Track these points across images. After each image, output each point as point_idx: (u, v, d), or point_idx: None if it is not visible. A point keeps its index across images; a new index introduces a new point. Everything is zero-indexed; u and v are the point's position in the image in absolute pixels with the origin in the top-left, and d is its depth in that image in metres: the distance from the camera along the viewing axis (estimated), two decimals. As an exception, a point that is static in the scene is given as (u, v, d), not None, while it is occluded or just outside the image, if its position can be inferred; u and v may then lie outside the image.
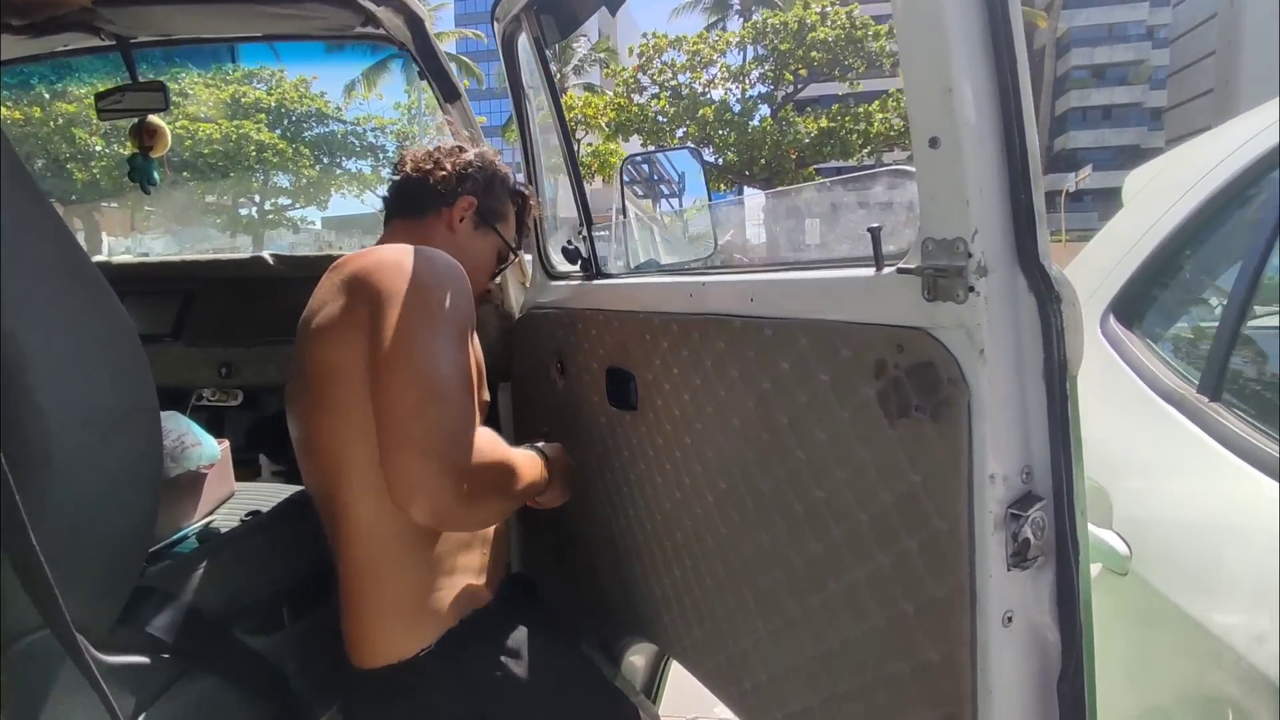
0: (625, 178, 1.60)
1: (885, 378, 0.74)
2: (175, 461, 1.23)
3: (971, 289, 0.66)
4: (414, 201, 1.22)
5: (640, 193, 1.68)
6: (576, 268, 1.51)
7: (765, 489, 0.95)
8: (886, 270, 0.75)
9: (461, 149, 1.25)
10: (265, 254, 1.89)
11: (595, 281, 1.44)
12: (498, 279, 1.34)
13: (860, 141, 22.54)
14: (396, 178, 1.24)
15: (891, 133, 22.28)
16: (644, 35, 23.36)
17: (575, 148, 1.45)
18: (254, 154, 20.41)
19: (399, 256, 1.01)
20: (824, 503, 0.85)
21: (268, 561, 1.22)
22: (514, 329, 1.78)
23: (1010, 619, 0.69)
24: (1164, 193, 1.25)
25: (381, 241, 1.20)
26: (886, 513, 0.76)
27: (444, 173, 1.20)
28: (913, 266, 0.70)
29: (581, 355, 1.44)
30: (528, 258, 1.78)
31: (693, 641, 1.20)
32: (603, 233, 1.48)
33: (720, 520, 1.06)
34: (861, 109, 22.74)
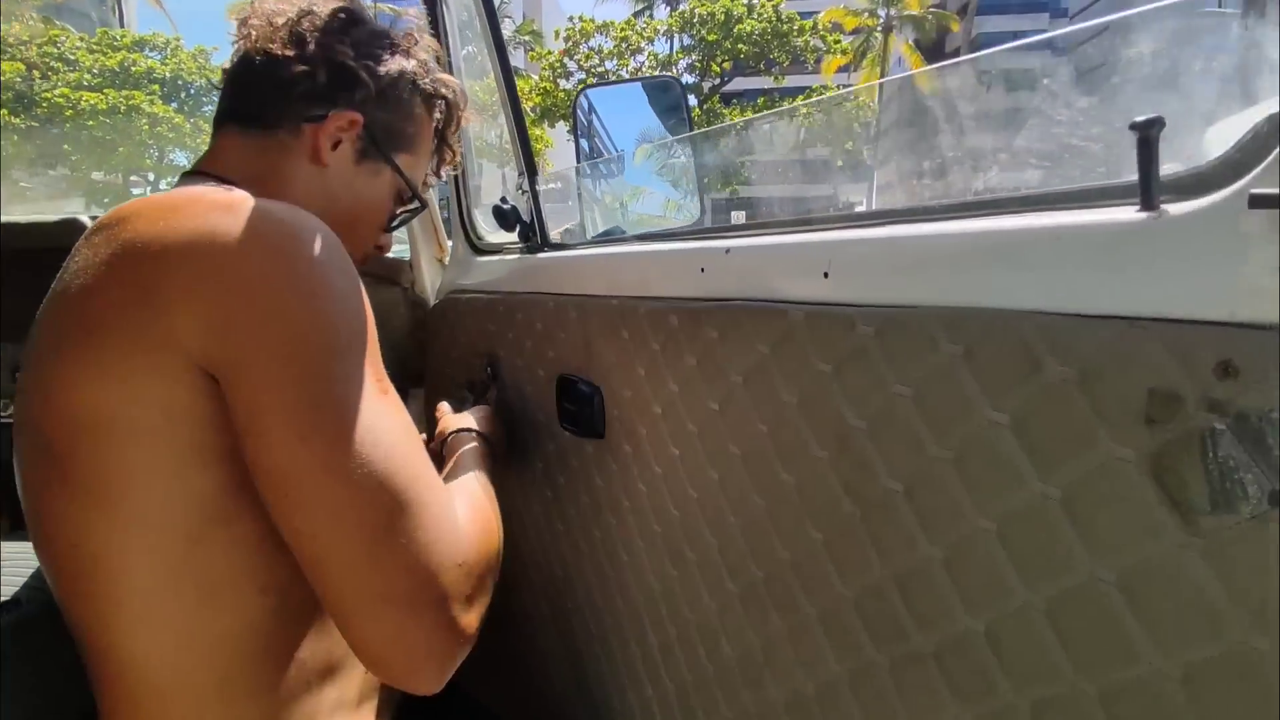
0: (582, 115, 1.18)
1: (1175, 429, 0.37)
2: None
3: None
4: (256, 103, 0.72)
5: (586, 139, 1.27)
6: (514, 236, 1.09)
7: (848, 592, 0.57)
8: (1183, 207, 0.37)
9: (349, 18, 0.75)
10: (82, 215, 1.39)
11: (543, 255, 1.03)
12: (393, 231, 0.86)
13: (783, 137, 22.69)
14: (234, 50, 0.75)
15: (815, 127, 22.51)
16: (570, 19, 22.79)
17: (510, 63, 1.04)
18: (146, 128, 18.82)
19: (238, 222, 0.55)
20: (983, 641, 0.47)
21: (20, 685, 0.76)
22: (427, 320, 1.36)
23: None
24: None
25: (204, 164, 0.72)
26: (1159, 691, 0.39)
27: (303, 68, 0.71)
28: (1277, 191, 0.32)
29: (521, 356, 1.03)
30: (448, 243, 1.36)
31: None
32: (553, 185, 1.07)
33: (751, 626, 0.68)
34: (786, 103, 22.85)
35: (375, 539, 0.52)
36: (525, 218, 1.06)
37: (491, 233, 1.23)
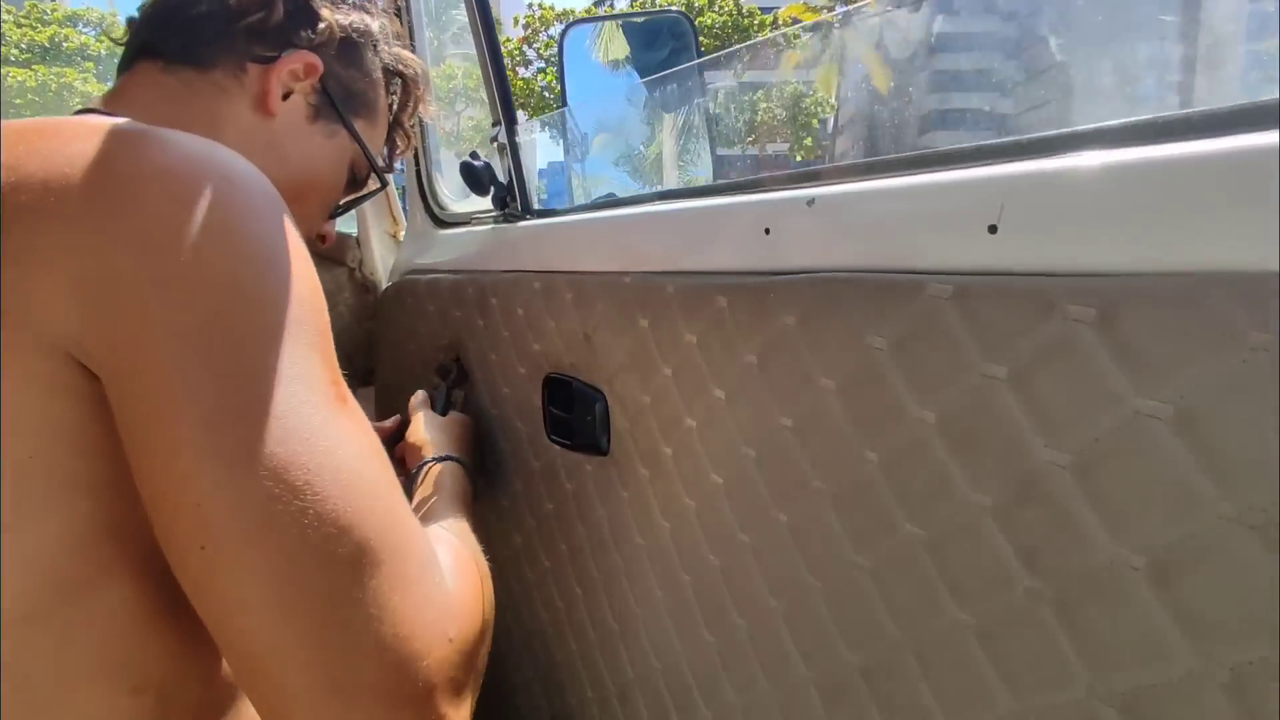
0: (566, 53, 0.97)
1: None
2: None
3: None
4: (188, 34, 0.56)
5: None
6: (487, 204, 0.88)
7: (1018, 706, 0.38)
8: None
9: None
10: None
11: (526, 223, 0.83)
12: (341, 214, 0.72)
13: (745, 130, 22.72)
14: None
15: (774, 122, 22.61)
16: (529, 6, 22.40)
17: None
18: (79, 107, 18.00)
19: (132, 151, 0.39)
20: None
21: None
22: (378, 306, 1.14)
23: None
24: None
25: (105, 102, 0.56)
26: None
27: None
28: None
29: (496, 350, 0.83)
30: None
31: None
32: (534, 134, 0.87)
33: (827, 712, 0.49)
34: (746, 98, 22.86)
35: (332, 609, 0.35)
36: (502, 178, 0.85)
37: (458, 200, 1.03)
